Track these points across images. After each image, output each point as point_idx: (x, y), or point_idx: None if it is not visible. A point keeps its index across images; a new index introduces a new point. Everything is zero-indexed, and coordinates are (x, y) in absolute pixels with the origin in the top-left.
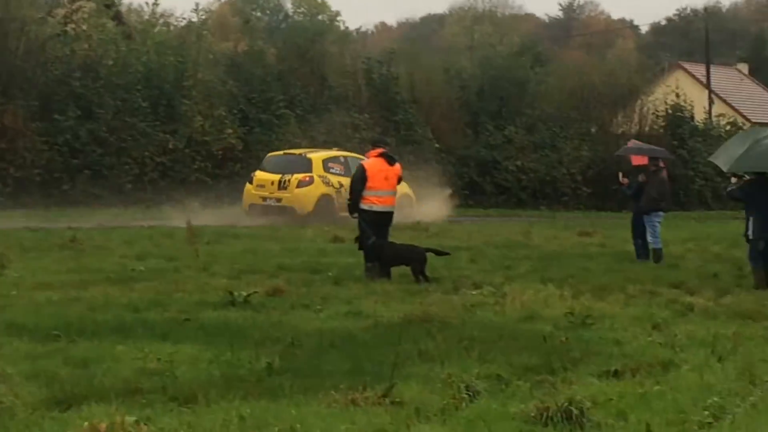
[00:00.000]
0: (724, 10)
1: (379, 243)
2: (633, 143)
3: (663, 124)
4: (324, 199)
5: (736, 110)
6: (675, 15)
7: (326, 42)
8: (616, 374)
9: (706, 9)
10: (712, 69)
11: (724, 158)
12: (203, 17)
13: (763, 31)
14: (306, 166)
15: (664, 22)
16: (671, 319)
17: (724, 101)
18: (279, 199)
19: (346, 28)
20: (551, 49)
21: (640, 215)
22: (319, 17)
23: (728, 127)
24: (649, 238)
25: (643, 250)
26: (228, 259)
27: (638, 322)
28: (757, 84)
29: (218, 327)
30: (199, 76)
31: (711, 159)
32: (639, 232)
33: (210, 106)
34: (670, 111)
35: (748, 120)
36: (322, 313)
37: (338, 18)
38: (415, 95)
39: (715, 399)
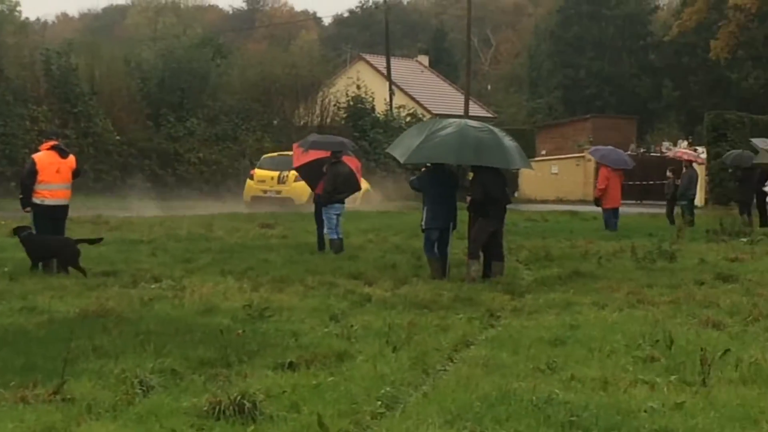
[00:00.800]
0: (405, 2)
1: (26, 236)
2: (314, 137)
3: (345, 115)
4: None
5: (416, 101)
6: (357, 7)
7: (4, 33)
8: (291, 366)
9: (386, 1)
10: (393, 61)
11: (401, 149)
12: None
13: (443, 23)
14: None
15: (346, 14)
16: (349, 310)
17: (405, 93)
18: (279, 192)
19: (26, 18)
20: (235, 41)
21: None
22: None
23: (408, 119)
24: (326, 230)
25: (321, 241)
26: None
27: (316, 314)
28: (436, 76)
29: None
30: None
31: (389, 150)
32: (322, 223)
33: None
34: (351, 103)
35: (428, 111)
36: None
37: (18, 8)
38: (95, 87)
39: (388, 389)
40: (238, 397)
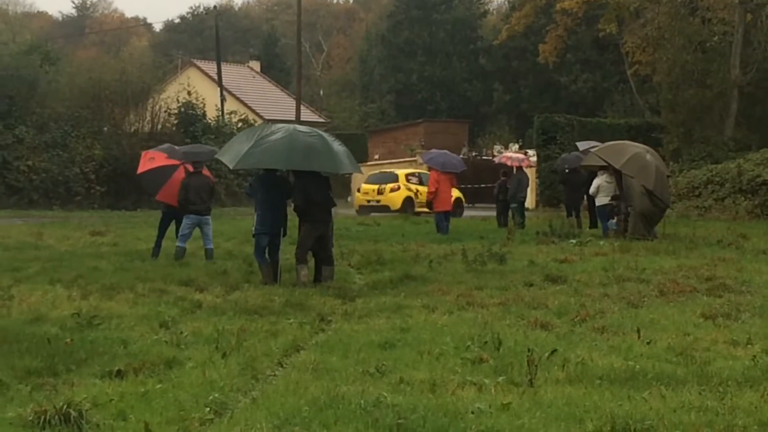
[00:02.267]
0: (236, 8)
1: None
2: (184, 147)
3: (175, 121)
4: (407, 199)
5: (248, 107)
6: (188, 13)
7: None
8: (119, 374)
9: (216, 7)
10: (225, 67)
11: (230, 155)
12: None
13: (274, 29)
14: (395, 178)
15: (177, 20)
16: (179, 317)
17: (237, 98)
18: (378, 201)
19: None
20: (65, 48)
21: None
22: None
23: (240, 125)
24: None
25: (157, 249)
26: None
27: (146, 321)
28: (268, 81)
29: None
30: None
31: (218, 156)
32: (163, 231)
33: None
34: (182, 109)
35: (260, 117)
36: None
37: None
38: None
39: (217, 395)
40: (64, 406)
